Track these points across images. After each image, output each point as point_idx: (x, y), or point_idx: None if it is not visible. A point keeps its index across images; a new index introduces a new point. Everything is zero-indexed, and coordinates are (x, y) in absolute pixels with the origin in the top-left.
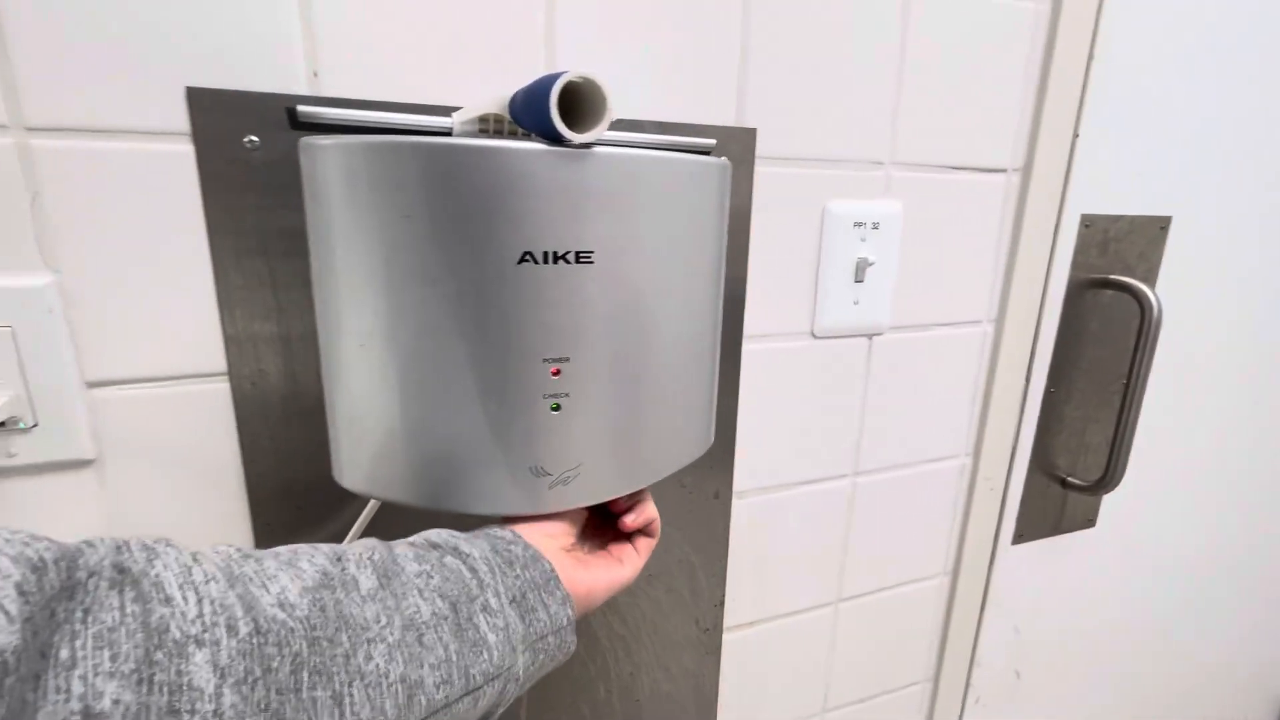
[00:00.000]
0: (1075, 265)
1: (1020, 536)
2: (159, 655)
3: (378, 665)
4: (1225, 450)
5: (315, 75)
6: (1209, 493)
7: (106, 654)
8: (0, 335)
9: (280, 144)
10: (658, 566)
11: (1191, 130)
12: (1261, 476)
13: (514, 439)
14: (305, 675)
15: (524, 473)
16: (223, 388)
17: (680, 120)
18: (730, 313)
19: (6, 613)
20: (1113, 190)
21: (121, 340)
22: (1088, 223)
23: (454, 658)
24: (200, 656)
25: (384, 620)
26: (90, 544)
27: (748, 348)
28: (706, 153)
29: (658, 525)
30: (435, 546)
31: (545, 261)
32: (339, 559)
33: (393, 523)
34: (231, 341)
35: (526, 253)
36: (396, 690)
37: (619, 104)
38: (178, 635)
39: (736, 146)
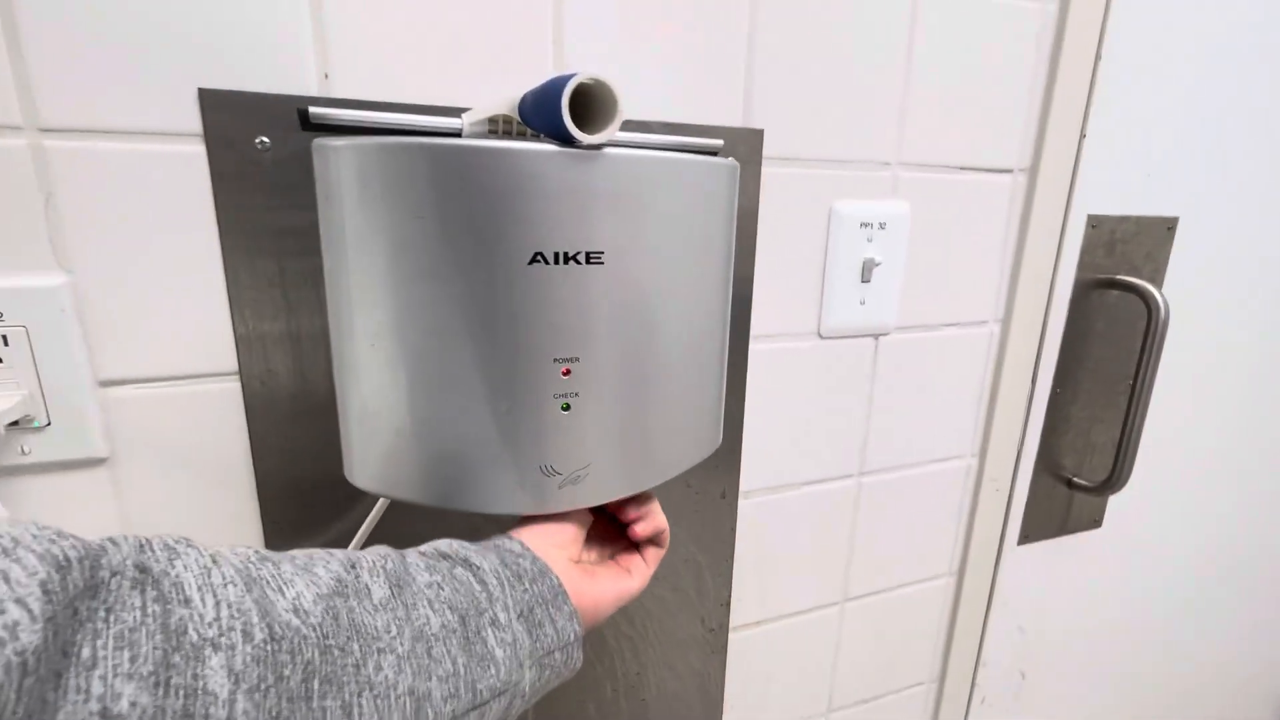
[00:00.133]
0: (1082, 266)
1: (1026, 537)
2: (176, 658)
3: (387, 676)
4: (1232, 451)
5: (326, 77)
6: (1215, 494)
7: (126, 654)
8: (14, 335)
9: (291, 145)
10: (664, 566)
11: (1199, 131)
12: (1268, 478)
13: (524, 438)
14: (316, 684)
15: (534, 472)
16: (233, 387)
17: (688, 121)
18: (737, 313)
19: (30, 611)
20: (1120, 191)
21: (133, 340)
22: (1094, 223)
23: (462, 671)
24: (216, 661)
25: (394, 631)
26: (114, 541)
27: (754, 348)
28: (714, 153)
29: (667, 536)
30: (445, 557)
31: (556, 262)
32: (353, 566)
33: (400, 522)
34: (242, 341)
35: (537, 253)
36: (404, 702)
37: (627, 105)
38: (195, 638)
39: (743, 147)
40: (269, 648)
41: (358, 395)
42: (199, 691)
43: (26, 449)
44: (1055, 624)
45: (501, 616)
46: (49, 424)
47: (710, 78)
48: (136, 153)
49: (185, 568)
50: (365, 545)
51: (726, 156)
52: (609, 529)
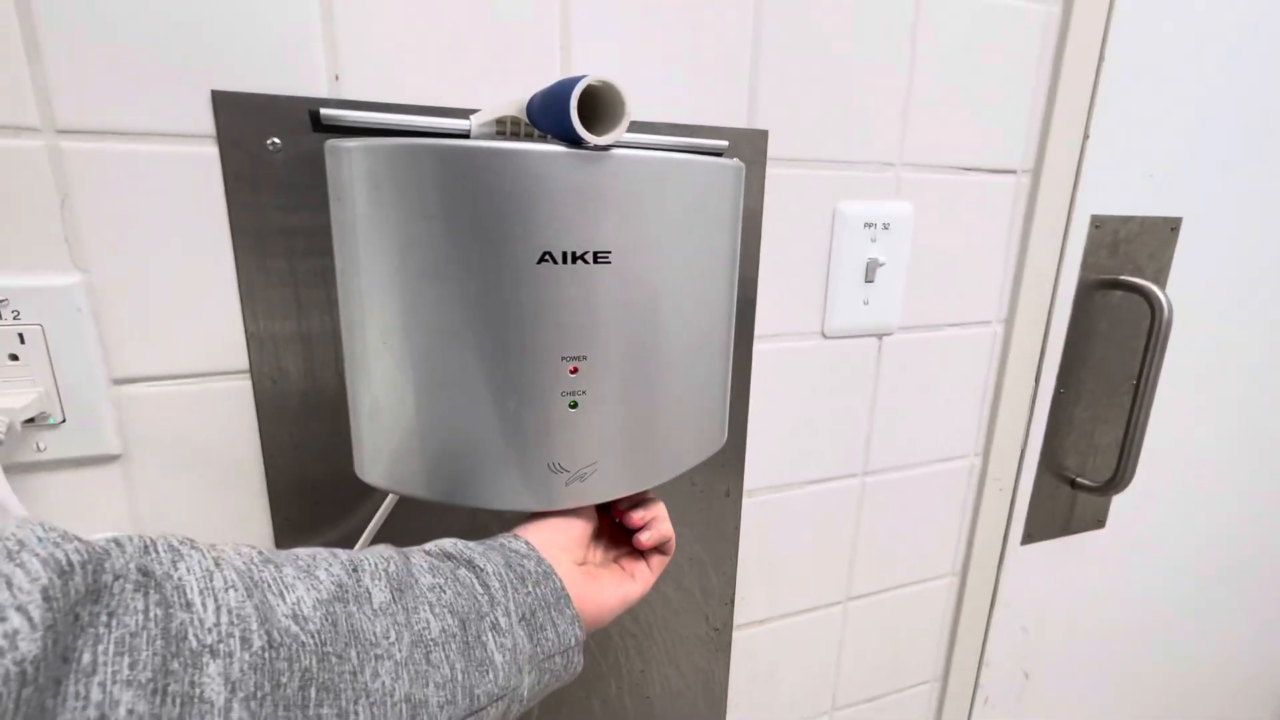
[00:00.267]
0: (1085, 266)
1: (1029, 537)
2: (175, 665)
3: (384, 683)
4: (1235, 452)
5: (336, 79)
6: (1218, 494)
7: (126, 661)
8: (30, 333)
9: (302, 146)
10: (669, 564)
11: (1202, 131)
12: (1271, 478)
13: (532, 435)
14: (313, 692)
15: (541, 469)
16: (244, 385)
17: (693, 122)
18: (742, 312)
19: (30, 620)
20: (1123, 191)
21: (147, 338)
22: (1098, 224)
23: (459, 677)
24: (214, 668)
25: (393, 636)
26: (119, 543)
27: (758, 347)
28: (719, 154)
29: (673, 544)
30: (449, 558)
31: (564, 261)
32: (355, 569)
33: (408, 519)
34: (253, 340)
35: (546, 253)
36: (400, 709)
37: (633, 106)
38: (194, 644)
39: (748, 148)
40: (267, 655)
41: (368, 393)
42: (195, 699)
43: (42, 446)
44: (1058, 624)
45: (503, 621)
46: (64, 421)
47: (715, 79)
48: (151, 154)
49: (188, 570)
50: (373, 542)
51: (731, 157)
52: (615, 530)
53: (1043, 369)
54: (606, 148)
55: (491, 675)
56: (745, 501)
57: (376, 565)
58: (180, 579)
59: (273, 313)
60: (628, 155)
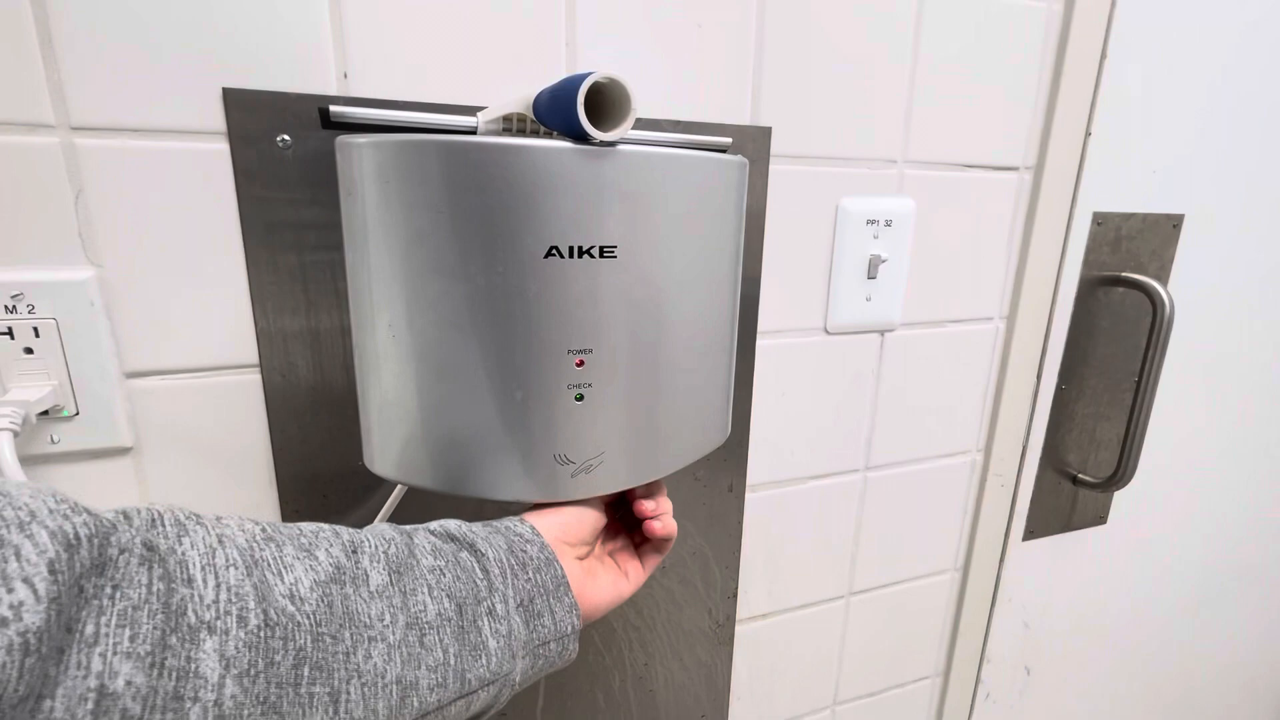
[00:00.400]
0: (1087, 263)
1: (1031, 533)
2: (173, 639)
3: (376, 664)
4: (1237, 448)
5: (345, 76)
6: (1220, 491)
7: (127, 633)
8: (45, 327)
9: (312, 143)
10: (672, 558)
11: (1204, 128)
12: (1273, 475)
13: (539, 427)
14: (306, 670)
15: (548, 460)
16: (254, 379)
17: (697, 119)
18: (745, 308)
19: (35, 592)
20: (1125, 188)
21: (159, 332)
22: (1100, 220)
23: (452, 661)
24: (210, 645)
25: (387, 619)
26: (127, 516)
27: (762, 343)
28: (723, 151)
29: (671, 544)
30: (452, 539)
31: (570, 256)
32: (354, 551)
33: (417, 510)
34: (263, 334)
35: (553, 247)
36: (391, 690)
37: (639, 103)
38: (193, 620)
39: (752, 145)
40: (262, 634)
41: (378, 385)
42: (191, 674)
43: (56, 438)
44: (1060, 620)
45: (499, 608)
46: (77, 414)
47: (719, 76)
48: (163, 150)
49: (192, 545)
50: None
51: (735, 154)
52: (613, 524)
53: (1044, 365)
54: (613, 144)
55: (484, 660)
56: (748, 496)
57: (376, 547)
58: (184, 554)
59: (282, 307)
60: (633, 151)
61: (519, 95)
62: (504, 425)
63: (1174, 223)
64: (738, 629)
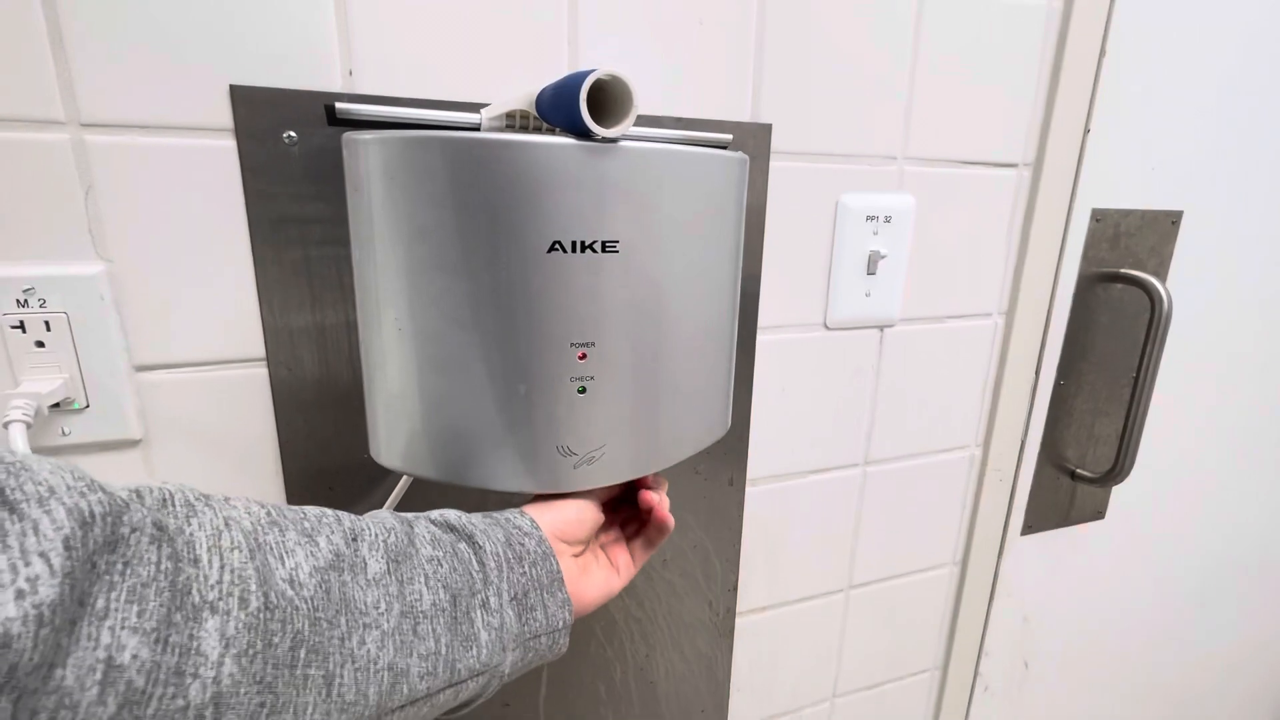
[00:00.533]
0: (1086, 259)
1: (1029, 527)
2: (178, 617)
3: (369, 650)
4: (1235, 444)
5: (350, 74)
6: (1218, 486)
7: (135, 609)
8: (56, 321)
9: (317, 139)
10: (673, 551)
11: (1203, 125)
12: (1271, 470)
13: (542, 419)
14: (302, 653)
15: (550, 452)
16: (261, 373)
17: (698, 116)
18: (745, 304)
19: (51, 566)
20: (1124, 185)
21: (167, 326)
22: (1098, 217)
23: (443, 651)
24: (212, 624)
25: (383, 607)
26: (139, 495)
27: (762, 338)
28: (724, 147)
29: (665, 537)
30: (452, 529)
31: (573, 251)
32: (354, 538)
33: (422, 502)
34: (269, 329)
35: (556, 242)
36: (383, 676)
37: (640, 99)
38: (197, 599)
39: (752, 141)
40: (262, 616)
41: (384, 378)
42: (192, 651)
43: (67, 430)
44: (1058, 614)
45: (493, 601)
46: (88, 406)
47: (720, 74)
48: (171, 147)
49: (199, 527)
50: None
51: (736, 150)
52: (606, 518)
53: (1043, 361)
54: (615, 140)
55: (475, 651)
56: (748, 490)
57: (376, 535)
58: (191, 535)
59: (288, 302)
60: (635, 147)
61: (522, 92)
62: (507, 417)
63: (1173, 219)
64: (738, 621)
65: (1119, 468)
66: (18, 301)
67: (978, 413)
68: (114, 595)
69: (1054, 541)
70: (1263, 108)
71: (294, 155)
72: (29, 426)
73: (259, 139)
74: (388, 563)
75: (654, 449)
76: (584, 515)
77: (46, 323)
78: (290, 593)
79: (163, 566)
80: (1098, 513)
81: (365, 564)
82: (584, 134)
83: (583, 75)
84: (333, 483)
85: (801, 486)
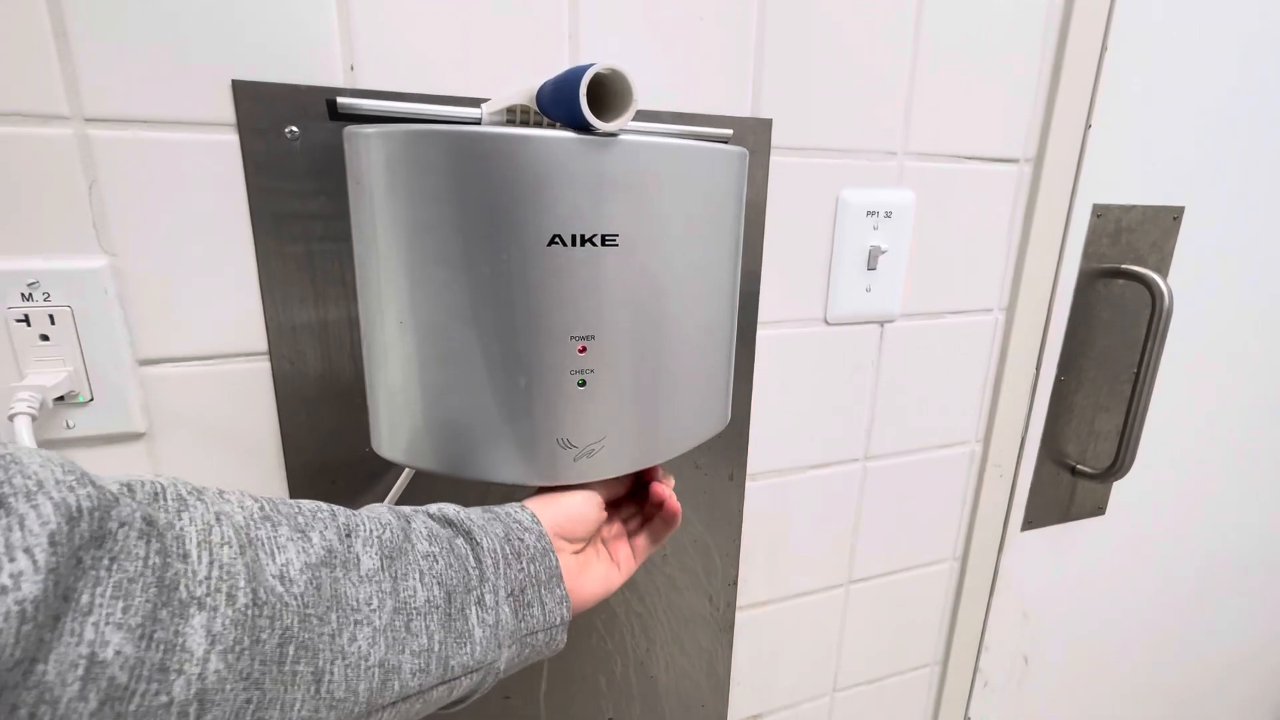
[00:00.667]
0: (1086, 255)
1: (1030, 523)
2: (164, 613)
3: (360, 647)
4: (1236, 440)
5: (352, 69)
6: (1219, 482)
7: (120, 605)
8: (60, 314)
9: (319, 134)
10: (673, 546)
11: (1205, 120)
12: (1271, 466)
13: (542, 412)
14: (291, 649)
15: (550, 444)
16: (263, 367)
17: (697, 111)
18: (745, 299)
19: (35, 562)
20: (1125, 180)
21: (170, 320)
22: (1099, 212)
23: (436, 648)
24: (198, 620)
25: (375, 603)
26: (130, 489)
27: (762, 333)
28: (724, 142)
29: (672, 531)
30: (450, 524)
31: (573, 244)
32: (349, 534)
33: (423, 495)
34: (272, 322)
35: (556, 235)
36: (373, 673)
37: (640, 94)
38: (184, 595)
39: (752, 137)
40: (250, 612)
41: (385, 372)
42: (177, 648)
43: (71, 423)
44: (1058, 610)
45: (488, 598)
46: (92, 399)
47: (720, 68)
48: (174, 141)
49: (190, 522)
50: None
51: (736, 145)
52: (610, 512)
53: (1044, 356)
54: (614, 134)
55: (469, 648)
56: (748, 485)
57: (371, 531)
58: (181, 530)
59: (290, 296)
60: (635, 141)
61: (522, 87)
62: (508, 410)
63: (1174, 215)
64: (738, 616)
65: (1119, 464)
66: (22, 295)
67: (978, 408)
68: (99, 590)
69: (1054, 537)
70: (1265, 104)
71: (296, 150)
72: (34, 419)
73: (261, 134)
74: (381, 559)
75: (654, 442)
76: (586, 513)
77: (51, 316)
78: (280, 589)
79: (151, 562)
80: (1098, 508)
81: (358, 560)
82: (584, 128)
83: (583, 69)
84: (335, 476)
85: (802, 481)
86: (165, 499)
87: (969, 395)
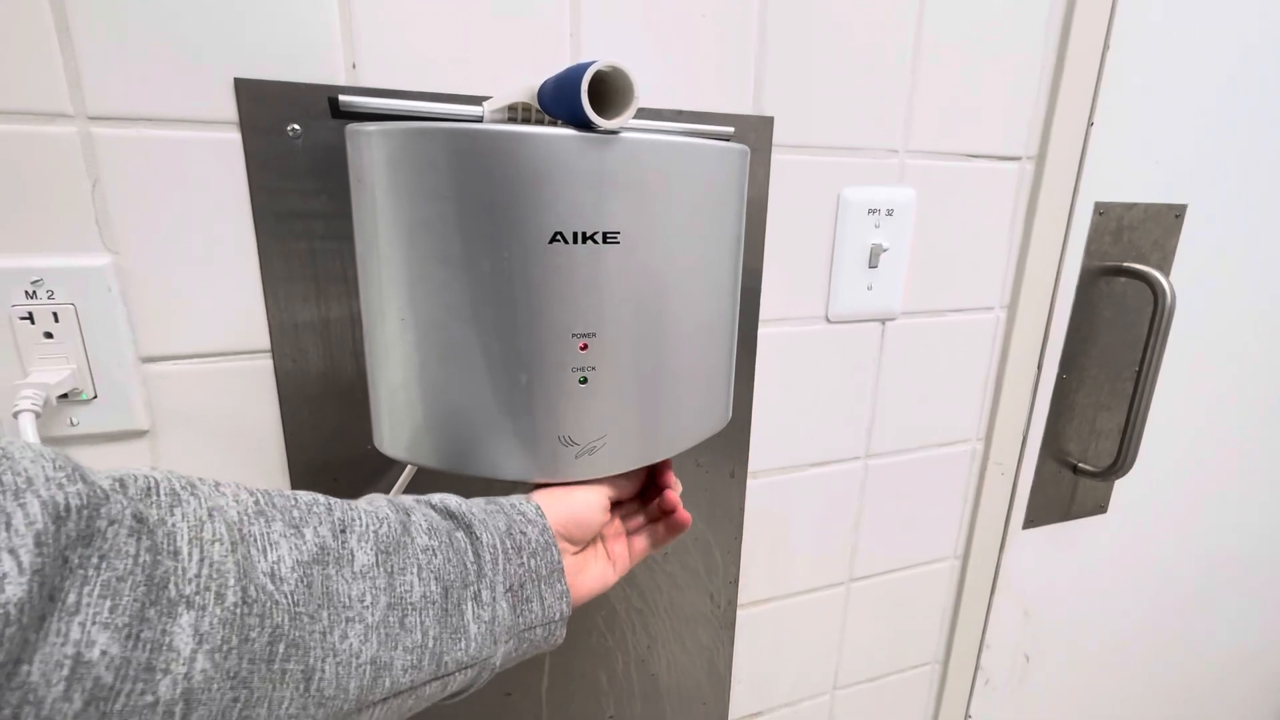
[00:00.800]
0: (1089, 253)
1: (1031, 521)
2: (151, 612)
3: (351, 644)
4: (1238, 438)
5: (354, 67)
6: (1221, 480)
7: (108, 604)
8: (64, 312)
9: (321, 132)
10: (674, 544)
11: (1208, 118)
12: (1273, 465)
13: (543, 409)
14: (281, 647)
15: (552, 441)
16: (266, 364)
17: (699, 109)
18: (747, 297)
19: (19, 564)
20: (1127, 178)
21: (173, 317)
22: (1102, 210)
23: (430, 644)
24: (186, 619)
25: (368, 600)
26: (123, 484)
27: (763, 331)
28: (726, 140)
29: (676, 538)
30: (451, 516)
31: (575, 241)
32: (344, 530)
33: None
34: (274, 320)
35: (557, 233)
36: (364, 670)
37: (642, 91)
38: (173, 594)
39: (754, 134)
40: (239, 611)
41: (387, 369)
42: (164, 646)
43: (75, 421)
44: (1059, 608)
45: (485, 595)
46: (95, 397)
47: (722, 66)
48: (177, 140)
49: (182, 517)
50: None
51: (737, 143)
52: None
53: (1045, 354)
54: (616, 131)
55: (464, 644)
56: (750, 483)
57: (367, 526)
58: (173, 526)
59: (292, 294)
60: (636, 138)
61: (524, 85)
62: (509, 407)
63: (1176, 213)
64: (739, 614)
65: (1121, 462)
66: (26, 293)
67: (979, 406)
68: (86, 590)
69: (1056, 536)
70: (1268, 101)
71: (298, 148)
72: (38, 416)
73: (263, 132)
74: (376, 554)
75: (655, 439)
76: (591, 517)
77: (55, 314)
78: (270, 587)
79: (140, 560)
80: (1099, 507)
81: (353, 556)
82: (585, 125)
83: (584, 67)
84: (337, 474)
85: (803, 479)
86: (158, 494)
87: (970, 393)
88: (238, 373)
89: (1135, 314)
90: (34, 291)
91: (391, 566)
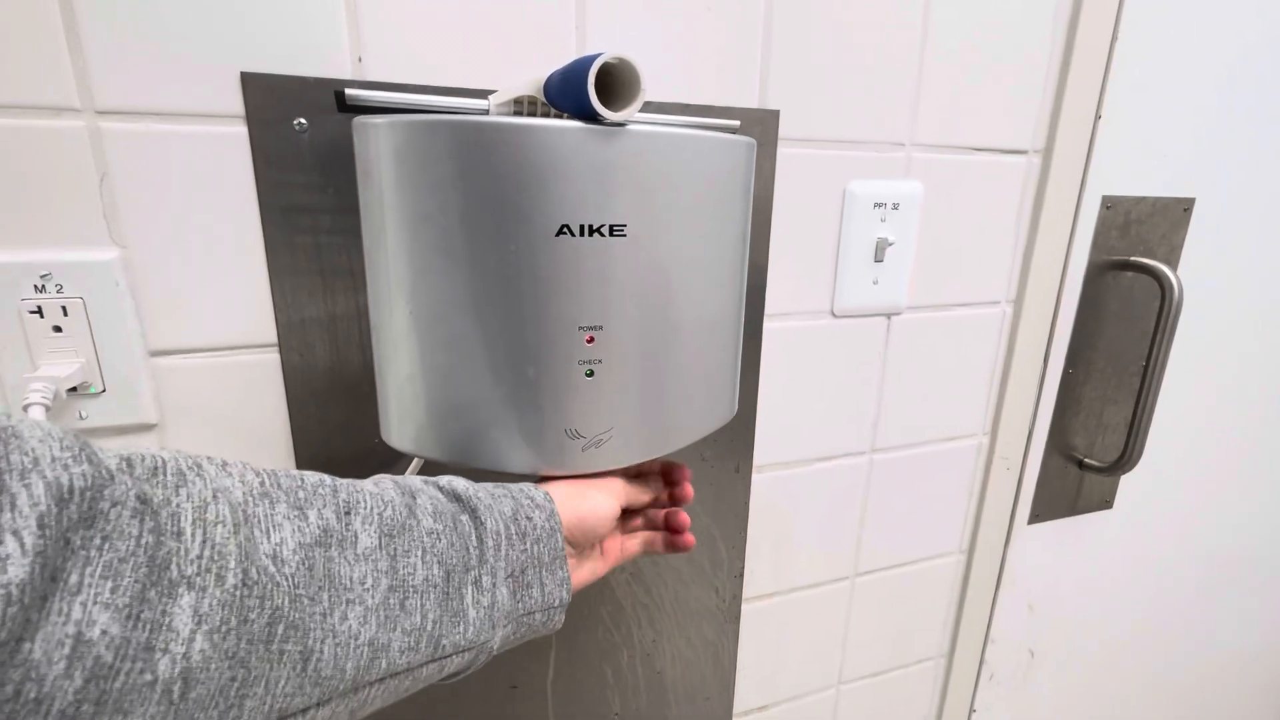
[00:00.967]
0: (1096, 247)
1: (1036, 516)
2: (152, 593)
3: (350, 626)
4: (1244, 433)
5: (360, 60)
6: (1227, 476)
7: (109, 585)
8: (73, 306)
9: (327, 126)
10: None
11: (1216, 111)
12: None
13: (550, 402)
14: (280, 628)
15: (558, 434)
16: (273, 358)
17: (705, 102)
18: (752, 291)
19: (22, 545)
20: (1135, 172)
21: (181, 312)
22: (1109, 204)
23: (429, 626)
24: (186, 600)
25: (369, 582)
26: (129, 464)
27: (769, 326)
28: (732, 133)
29: (673, 546)
30: (457, 499)
31: (581, 234)
32: (348, 511)
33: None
34: (281, 314)
35: (564, 225)
36: (362, 651)
37: (648, 84)
38: (175, 574)
39: (760, 128)
40: (239, 593)
41: (394, 362)
42: (164, 627)
43: (84, 414)
44: (1064, 603)
45: (485, 580)
46: (104, 390)
47: (728, 59)
48: (184, 134)
49: (187, 498)
50: None
51: (743, 136)
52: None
53: (1051, 349)
54: (622, 124)
55: (462, 628)
56: (755, 477)
57: (372, 509)
58: (177, 507)
59: (299, 288)
60: (643, 131)
61: (530, 78)
62: (516, 400)
63: (1184, 207)
64: (744, 608)
65: (1127, 457)
66: (35, 287)
67: (985, 401)
68: (89, 570)
69: (1061, 531)
70: (1277, 93)
71: (304, 142)
72: (48, 409)
73: (270, 126)
74: (380, 537)
75: (661, 433)
76: (598, 526)
77: (64, 308)
78: (271, 568)
79: (143, 540)
80: (1105, 502)
81: (356, 538)
82: (591, 118)
83: (590, 59)
84: (344, 467)
85: (808, 474)
86: (165, 474)
87: (976, 388)
88: (245, 366)
89: (1142, 308)
90: (43, 285)
91: (395, 549)
